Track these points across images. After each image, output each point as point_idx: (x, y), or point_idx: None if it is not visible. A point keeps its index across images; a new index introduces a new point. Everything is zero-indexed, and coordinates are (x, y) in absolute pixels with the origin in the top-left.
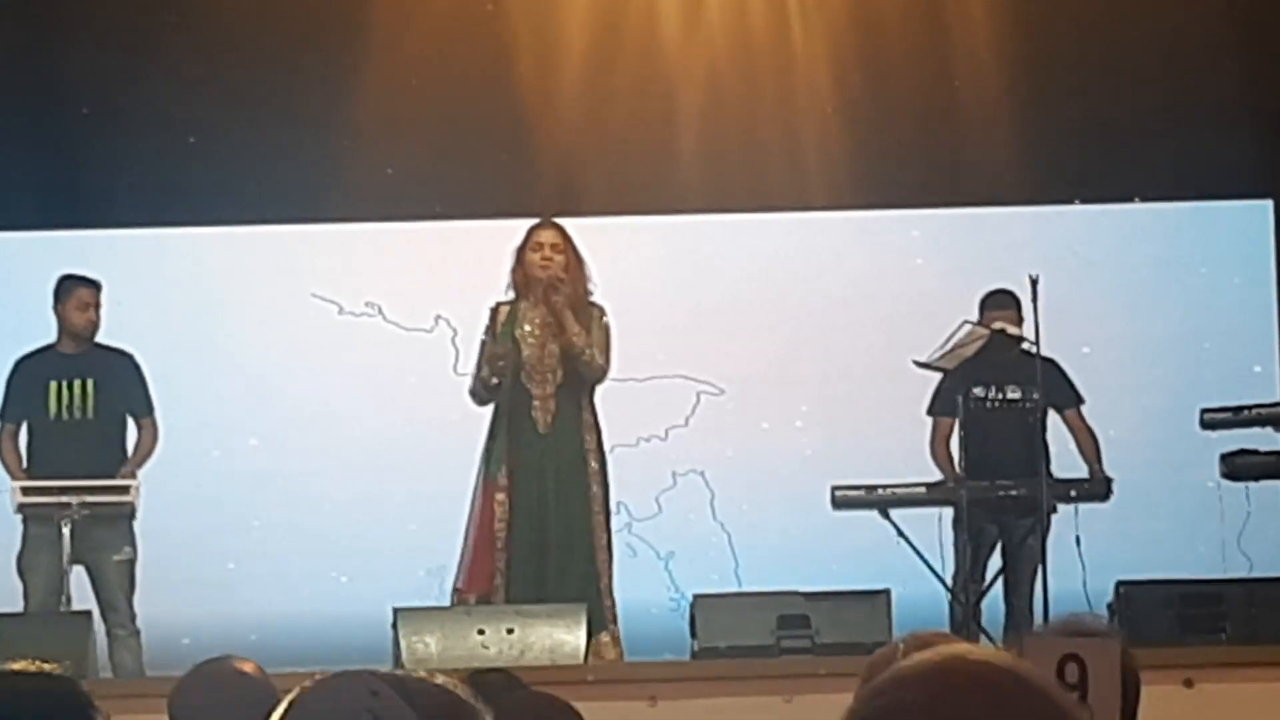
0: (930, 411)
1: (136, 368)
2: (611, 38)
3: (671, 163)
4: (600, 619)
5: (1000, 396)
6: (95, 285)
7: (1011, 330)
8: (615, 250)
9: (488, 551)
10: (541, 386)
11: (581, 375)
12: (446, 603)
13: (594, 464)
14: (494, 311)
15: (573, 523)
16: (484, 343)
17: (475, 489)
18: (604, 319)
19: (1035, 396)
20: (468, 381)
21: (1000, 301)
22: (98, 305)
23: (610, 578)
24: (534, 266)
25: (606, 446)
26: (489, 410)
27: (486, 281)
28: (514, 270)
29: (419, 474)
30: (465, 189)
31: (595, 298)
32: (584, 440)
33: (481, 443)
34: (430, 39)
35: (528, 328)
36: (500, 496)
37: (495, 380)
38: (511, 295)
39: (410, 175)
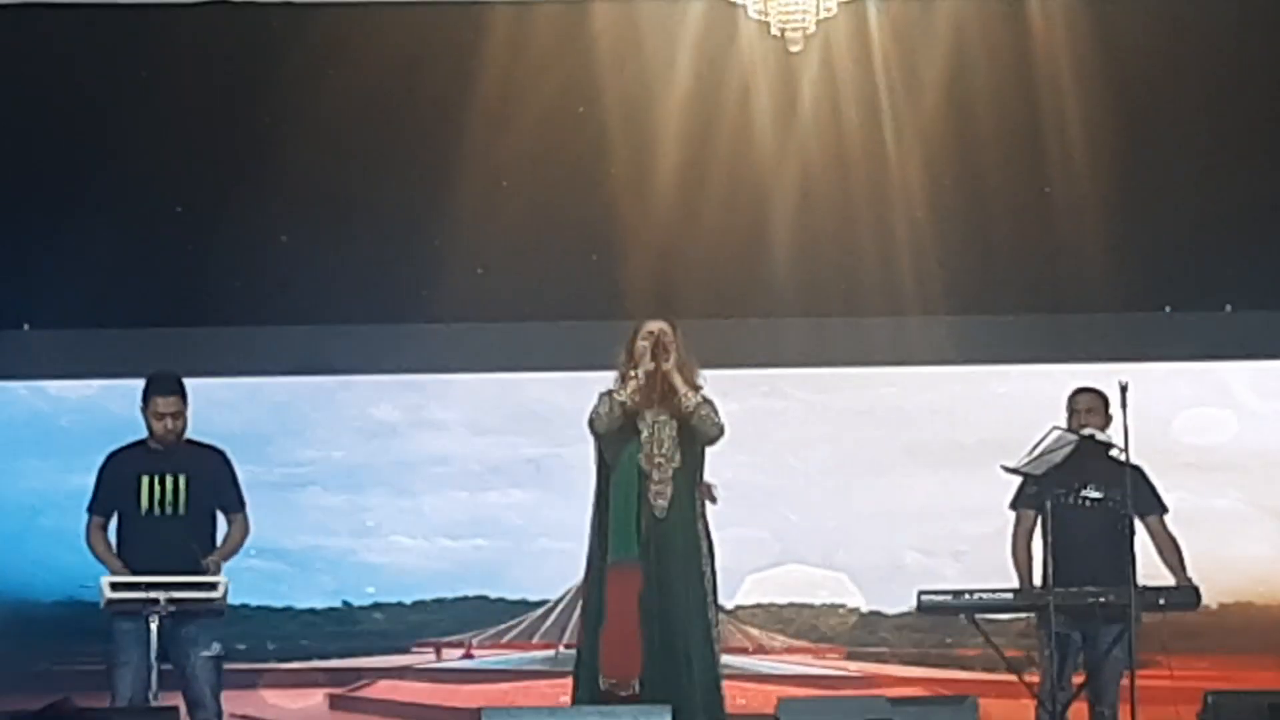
0: (1013, 505)
1: (228, 464)
2: (705, 140)
3: (764, 266)
4: (719, 707)
5: (1085, 499)
6: (176, 393)
7: (1100, 437)
8: (708, 353)
9: (630, 637)
10: (659, 470)
11: (696, 435)
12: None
13: (705, 548)
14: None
15: (692, 608)
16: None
17: (597, 571)
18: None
19: (1117, 499)
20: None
21: (1088, 400)
22: (177, 414)
23: (720, 664)
24: (643, 354)
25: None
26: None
27: (579, 381)
28: (624, 362)
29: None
30: (557, 291)
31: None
32: (697, 524)
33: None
34: (523, 140)
35: (647, 414)
36: (634, 582)
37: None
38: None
39: (502, 276)
